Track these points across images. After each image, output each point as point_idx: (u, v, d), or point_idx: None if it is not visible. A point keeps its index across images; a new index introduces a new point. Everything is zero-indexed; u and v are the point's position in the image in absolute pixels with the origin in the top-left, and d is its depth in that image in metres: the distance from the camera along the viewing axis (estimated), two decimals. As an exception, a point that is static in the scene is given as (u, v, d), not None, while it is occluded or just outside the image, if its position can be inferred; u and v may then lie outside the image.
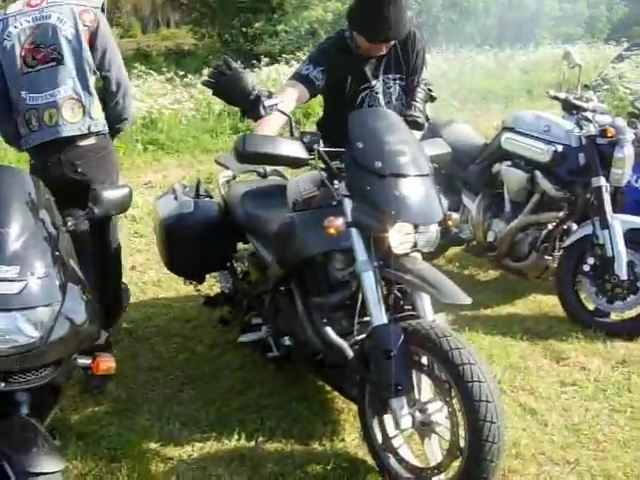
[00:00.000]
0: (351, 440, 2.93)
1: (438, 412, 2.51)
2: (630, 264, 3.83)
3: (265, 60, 12.50)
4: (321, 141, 2.63)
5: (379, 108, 2.80)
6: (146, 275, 4.85)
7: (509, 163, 4.33)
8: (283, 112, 2.72)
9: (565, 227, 4.21)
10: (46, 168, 3.19)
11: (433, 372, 2.49)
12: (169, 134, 8.34)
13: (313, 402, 3.19)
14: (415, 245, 2.57)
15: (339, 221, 2.48)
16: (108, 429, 2.98)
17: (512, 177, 4.29)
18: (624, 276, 3.79)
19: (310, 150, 2.61)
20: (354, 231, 2.56)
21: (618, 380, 3.41)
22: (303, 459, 2.79)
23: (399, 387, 2.44)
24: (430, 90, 3.30)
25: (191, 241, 3.54)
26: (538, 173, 4.15)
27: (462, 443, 2.39)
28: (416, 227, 2.55)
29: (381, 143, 2.56)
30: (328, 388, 3.25)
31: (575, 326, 3.94)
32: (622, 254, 3.79)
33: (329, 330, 2.82)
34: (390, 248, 2.51)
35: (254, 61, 11.99)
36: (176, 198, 3.72)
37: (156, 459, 2.80)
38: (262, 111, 2.61)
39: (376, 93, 3.23)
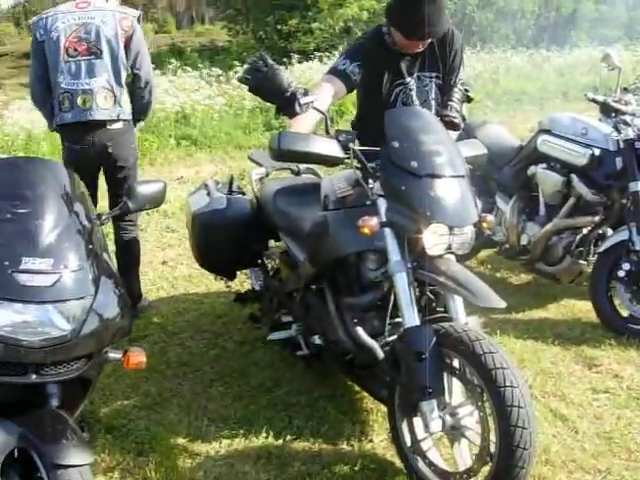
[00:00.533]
0: (379, 441, 2.91)
1: (468, 416, 2.48)
2: (666, 271, 3.76)
3: (298, 57, 12.50)
4: (356, 140, 2.62)
5: (415, 107, 2.77)
6: (177, 270, 4.87)
7: (545, 166, 4.27)
8: (319, 110, 2.71)
9: (600, 232, 4.15)
10: (79, 149, 3.81)
11: (465, 376, 2.46)
12: (202, 130, 8.37)
13: (342, 402, 3.18)
14: (449, 247, 2.54)
15: (373, 221, 2.46)
16: (136, 423, 2.99)
17: (547, 180, 4.23)
18: (660, 283, 3.73)
19: (345, 149, 2.59)
20: (388, 231, 2.54)
21: (652, 389, 3.35)
22: (330, 459, 2.78)
23: (430, 390, 2.41)
24: (467, 90, 3.26)
25: (223, 237, 3.54)
26: (574, 176, 4.09)
27: (492, 449, 2.36)
28: (451, 229, 2.52)
29: (417, 143, 2.53)
30: (357, 388, 3.23)
31: (608, 333, 3.87)
32: (658, 260, 3.73)
33: (360, 330, 2.80)
34: (424, 249, 2.48)
35: (286, 59, 11.97)
36: (209, 194, 3.73)
37: (183, 454, 2.81)
38: (297, 108, 2.59)
39: (410, 90, 3.19)
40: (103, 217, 2.38)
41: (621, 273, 3.86)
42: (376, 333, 2.86)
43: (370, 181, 2.64)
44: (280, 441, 2.90)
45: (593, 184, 4.03)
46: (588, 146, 4.04)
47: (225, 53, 15.56)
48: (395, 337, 2.85)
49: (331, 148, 2.56)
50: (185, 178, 6.90)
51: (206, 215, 3.58)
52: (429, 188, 2.47)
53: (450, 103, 3.10)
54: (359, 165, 2.62)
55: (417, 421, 2.63)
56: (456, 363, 2.49)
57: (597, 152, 3.99)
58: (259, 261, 3.75)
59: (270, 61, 2.59)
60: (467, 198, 2.56)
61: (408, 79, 3.19)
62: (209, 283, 4.56)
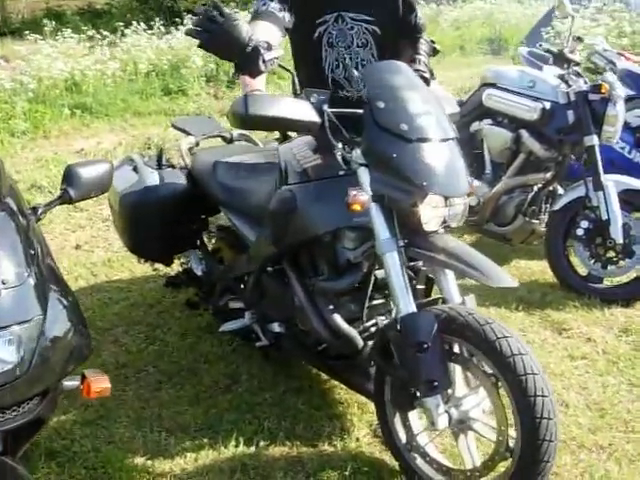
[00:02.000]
0: (362, 437, 2.62)
1: (475, 408, 2.22)
2: (624, 227, 3.62)
3: (189, 17, 11.81)
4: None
5: (393, 61, 2.41)
6: (94, 255, 4.37)
7: (490, 121, 4.05)
8: (284, 67, 2.33)
9: (551, 189, 3.98)
10: None
11: (472, 364, 2.19)
12: (96, 97, 7.71)
13: (312, 395, 2.86)
14: (444, 221, 2.25)
15: (364, 196, 2.12)
16: (82, 443, 2.56)
17: (495, 136, 4.01)
18: (620, 239, 3.59)
19: (319, 112, 2.22)
20: (374, 206, 2.21)
21: (627, 351, 3.21)
22: (315, 464, 2.46)
23: (435, 384, 2.12)
24: (433, 42, 2.94)
25: (158, 219, 3.11)
26: (524, 132, 3.88)
27: (511, 443, 2.11)
28: (446, 200, 2.22)
29: (404, 102, 2.20)
30: (324, 377, 2.92)
31: (569, 293, 3.74)
32: (617, 216, 3.58)
33: (337, 318, 2.48)
34: (418, 225, 2.17)
35: (178, 19, 11.27)
36: (135, 169, 3.27)
37: (145, 476, 2.41)
38: (262, 66, 2.19)
39: (330, 32, 2.71)
40: (39, 210, 1.93)
41: (579, 231, 3.70)
42: (352, 319, 2.55)
43: (342, 148, 2.29)
44: (253, 448, 2.55)
45: (544, 139, 3.84)
46: (537, 99, 3.83)
47: (108, 16, 14.59)
48: (373, 322, 2.56)
49: (306, 112, 2.18)
50: (86, 150, 6.30)
51: (137, 194, 3.13)
52: (422, 154, 2.15)
53: (417, 57, 2.75)
54: (332, 130, 2.26)
55: (412, 415, 2.36)
56: (457, 349, 2.22)
57: (547, 105, 3.80)
58: (198, 242, 3.35)
59: (226, 10, 2.17)
60: (460, 164, 2.26)
61: (328, 16, 2.69)
62: (132, 267, 4.10)
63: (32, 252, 1.70)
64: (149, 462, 2.48)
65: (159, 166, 3.30)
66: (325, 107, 2.21)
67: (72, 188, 1.94)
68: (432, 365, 2.12)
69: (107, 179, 2.03)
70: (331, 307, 2.49)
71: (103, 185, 2.03)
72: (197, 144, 3.51)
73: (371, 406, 2.70)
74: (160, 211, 3.11)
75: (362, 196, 2.10)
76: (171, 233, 3.16)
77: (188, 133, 3.51)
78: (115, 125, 7.38)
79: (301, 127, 2.23)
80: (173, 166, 3.40)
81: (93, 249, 4.47)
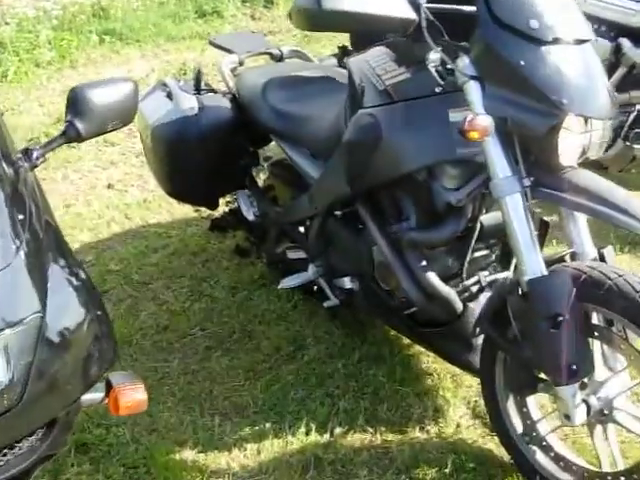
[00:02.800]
0: (460, 418, 2.15)
1: (619, 395, 1.70)
2: None
3: None
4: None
5: None
6: (128, 195, 3.85)
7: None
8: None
9: (658, 108, 3.36)
10: None
11: (617, 338, 1.66)
12: (125, 22, 7.12)
13: (393, 364, 2.36)
14: (583, 151, 1.68)
15: (485, 120, 1.55)
16: (119, 433, 2.10)
17: (592, 46, 3.36)
18: None
19: (415, 7, 1.65)
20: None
21: None
22: (405, 457, 1.99)
23: (573, 368, 1.60)
24: None
25: (200, 154, 2.58)
26: (625, 41, 3.24)
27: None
28: (586, 122, 1.65)
29: (532, -10, 1.61)
30: (406, 341, 2.42)
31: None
32: None
33: (432, 276, 1.96)
34: (555, 157, 1.61)
35: None
36: (170, 96, 2.72)
37: (197, 476, 1.96)
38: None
39: None
40: (34, 154, 1.40)
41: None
42: (449, 276, 2.03)
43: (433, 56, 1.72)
44: (327, 436, 2.09)
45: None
46: (643, -1, 3.18)
47: None
48: (474, 280, 2.04)
49: (397, 6, 1.60)
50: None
51: (172, 125, 2.59)
52: (560, 62, 1.58)
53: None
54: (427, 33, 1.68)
55: (532, 399, 1.85)
56: (599, 320, 1.69)
57: (657, 6, 3.14)
58: (248, 180, 2.82)
59: None
60: (601, 75, 1.68)
61: None
62: (171, 208, 3.59)
63: (21, 216, 1.19)
64: (201, 456, 2.03)
65: (197, 91, 2.75)
66: (422, 0, 1.63)
67: (80, 120, 1.41)
68: (569, 344, 1.60)
69: (130, 105, 1.50)
70: (424, 263, 1.96)
71: (124, 114, 1.50)
72: (241, 63, 2.93)
73: (466, 377, 2.22)
74: (201, 145, 2.58)
75: (482, 120, 1.53)
76: (216, 171, 2.64)
77: (230, 51, 2.94)
78: (147, 51, 6.80)
79: (390, 27, 1.65)
80: (214, 90, 2.85)
81: (127, 188, 3.95)
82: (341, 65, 2.92)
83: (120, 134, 4.64)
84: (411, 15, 1.60)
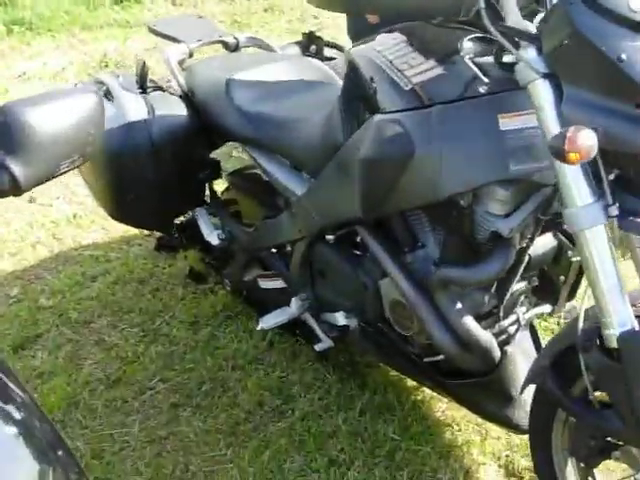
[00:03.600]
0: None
1: None
2: None
3: None
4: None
5: None
6: (54, 210, 3.31)
7: None
8: None
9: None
10: None
11: None
12: (35, 10, 6.48)
13: (404, 415, 1.97)
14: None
15: (592, 138, 1.13)
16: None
17: None
18: None
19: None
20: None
21: None
22: None
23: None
24: None
25: (152, 167, 2.11)
26: None
27: None
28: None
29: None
30: (412, 383, 2.03)
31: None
32: None
33: (469, 322, 1.57)
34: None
35: None
36: (109, 96, 2.23)
37: None
38: None
39: None
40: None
41: None
42: (483, 316, 1.65)
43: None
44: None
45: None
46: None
47: None
48: (512, 321, 1.67)
49: None
50: (29, 74, 5.15)
51: (117, 133, 2.10)
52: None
53: None
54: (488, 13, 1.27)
55: (599, 468, 1.49)
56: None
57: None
58: (209, 196, 2.37)
59: None
60: None
61: None
62: (107, 224, 3.09)
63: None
64: None
65: (143, 89, 2.27)
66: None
67: (15, 160, 0.91)
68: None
69: (93, 130, 1.03)
70: (459, 306, 1.56)
71: (84, 144, 1.02)
72: (191, 55, 2.46)
73: (491, 425, 1.85)
74: (153, 156, 2.10)
75: (588, 137, 1.12)
76: (171, 187, 2.17)
77: (176, 40, 2.47)
78: (61, 42, 6.17)
79: (446, 6, 1.22)
80: (161, 88, 2.37)
81: (52, 202, 3.40)
82: (307, 54, 2.51)
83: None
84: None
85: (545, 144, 1.26)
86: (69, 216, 3.24)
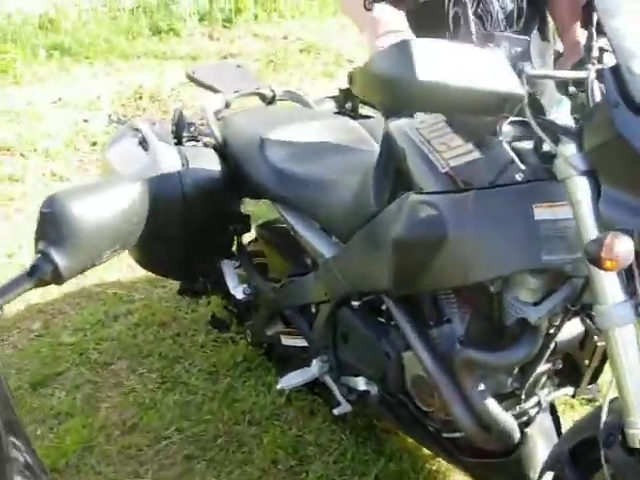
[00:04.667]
0: None
1: None
2: None
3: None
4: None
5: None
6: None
7: None
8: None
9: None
10: None
11: None
12: (75, 36, 6.59)
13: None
14: None
15: (629, 245, 1.13)
16: None
17: None
18: None
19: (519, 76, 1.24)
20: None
21: None
22: None
23: None
24: None
25: (183, 219, 2.13)
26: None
27: None
28: None
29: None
30: (427, 452, 2.02)
31: None
32: None
33: (491, 404, 1.56)
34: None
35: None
36: (144, 145, 2.26)
37: None
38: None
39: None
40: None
41: None
42: (504, 396, 1.63)
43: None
44: None
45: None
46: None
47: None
48: (534, 403, 1.65)
49: (503, 78, 1.19)
50: (64, 100, 5.23)
51: (150, 184, 2.12)
52: None
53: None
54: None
55: None
56: None
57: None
58: (236, 250, 2.39)
59: None
60: None
61: None
62: (133, 262, 3.08)
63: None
64: None
65: (179, 140, 2.31)
66: (527, 68, 1.23)
67: (58, 251, 0.92)
68: None
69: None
70: (482, 387, 1.56)
71: (129, 232, 1.03)
72: (227, 105, 2.50)
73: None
74: (185, 208, 2.12)
75: (626, 245, 1.12)
76: (200, 239, 2.19)
77: (215, 90, 2.51)
78: (98, 70, 6.28)
79: (493, 106, 1.22)
80: (196, 138, 2.41)
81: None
82: (341, 112, 2.54)
83: (70, 166, 4.16)
84: (520, 89, 1.19)
85: (579, 238, 1.27)
86: (95, 251, 3.27)
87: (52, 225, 0.88)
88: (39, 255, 0.90)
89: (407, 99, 1.15)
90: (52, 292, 2.91)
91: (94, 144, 4.32)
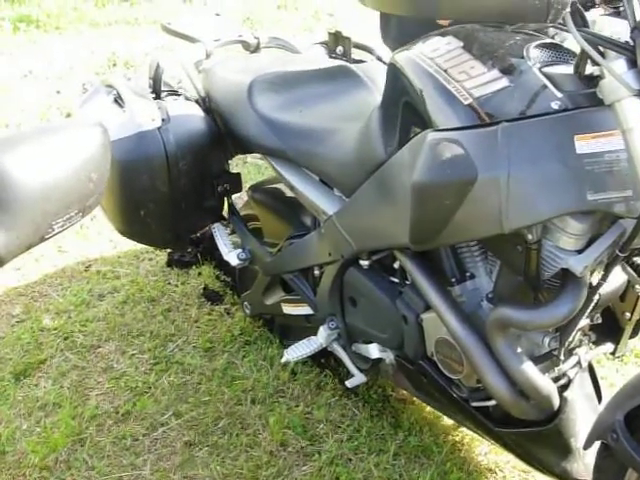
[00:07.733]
0: None
1: None
2: None
3: None
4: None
5: None
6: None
7: None
8: None
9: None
10: None
11: None
12: (43, 7, 6.32)
13: (441, 460, 1.78)
14: None
15: None
16: None
17: None
18: None
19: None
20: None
21: None
22: None
23: None
24: None
25: (167, 180, 1.92)
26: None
27: None
28: None
29: None
30: (450, 422, 1.84)
31: None
32: None
33: (530, 368, 1.37)
34: None
35: None
36: (119, 101, 2.04)
37: None
38: None
39: None
40: None
41: None
42: (542, 358, 1.45)
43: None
44: None
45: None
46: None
47: None
48: (573, 363, 1.48)
49: None
50: (35, 73, 4.97)
51: (128, 143, 1.91)
52: None
53: None
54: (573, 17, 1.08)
55: None
56: None
57: None
58: (228, 212, 2.19)
59: None
60: None
61: None
62: (115, 236, 2.85)
63: None
64: None
65: (157, 94, 2.08)
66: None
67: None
68: None
69: (98, 178, 0.82)
70: (517, 349, 1.37)
71: (88, 195, 0.82)
72: (208, 56, 2.27)
73: (538, 474, 1.66)
74: (168, 168, 1.91)
75: None
76: (187, 202, 1.98)
77: (193, 39, 2.28)
78: (68, 40, 6.00)
79: (529, 14, 1.01)
80: (176, 92, 2.19)
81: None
82: (333, 56, 2.32)
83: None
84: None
85: (632, 172, 1.08)
86: (75, 227, 3.04)
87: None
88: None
89: (434, 6, 0.94)
90: (31, 274, 2.70)
91: (68, 115, 4.08)
